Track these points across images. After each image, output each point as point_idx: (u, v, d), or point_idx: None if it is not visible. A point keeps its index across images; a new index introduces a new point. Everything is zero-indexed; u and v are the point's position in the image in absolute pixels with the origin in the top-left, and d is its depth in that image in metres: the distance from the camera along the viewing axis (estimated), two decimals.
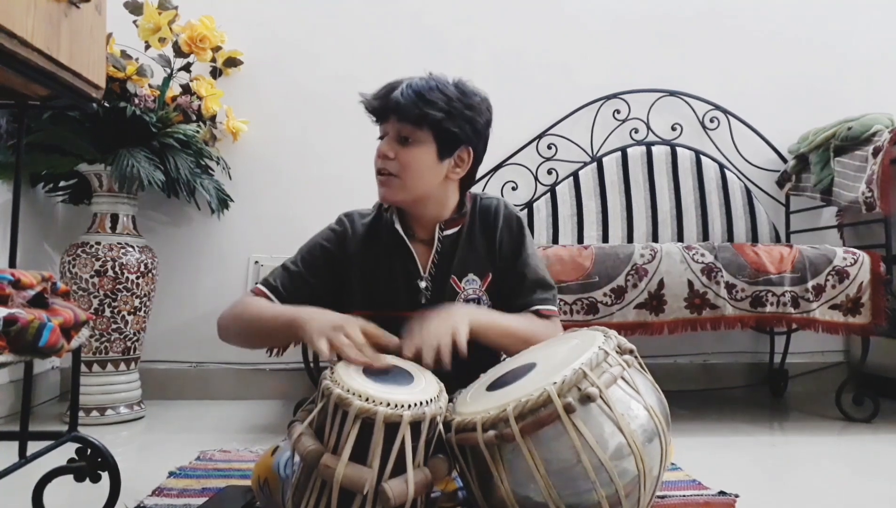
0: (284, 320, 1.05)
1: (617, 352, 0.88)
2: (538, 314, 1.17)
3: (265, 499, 1.02)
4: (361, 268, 1.19)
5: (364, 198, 1.34)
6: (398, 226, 1.20)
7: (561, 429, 0.79)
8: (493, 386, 0.92)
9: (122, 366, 1.87)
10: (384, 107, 1.15)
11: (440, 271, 1.19)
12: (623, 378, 0.84)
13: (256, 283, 1.20)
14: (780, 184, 2.36)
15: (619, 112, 2.37)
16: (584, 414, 0.79)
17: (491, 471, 0.82)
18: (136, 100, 1.88)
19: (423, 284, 1.18)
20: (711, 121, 2.38)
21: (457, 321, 1.02)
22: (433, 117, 1.12)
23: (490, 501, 0.84)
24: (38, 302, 0.90)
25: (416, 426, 0.80)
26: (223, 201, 2.17)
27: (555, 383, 0.80)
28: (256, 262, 2.23)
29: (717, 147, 2.38)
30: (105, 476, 1.05)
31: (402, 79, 1.17)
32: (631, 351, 0.91)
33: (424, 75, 1.17)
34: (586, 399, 0.79)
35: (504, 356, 1.13)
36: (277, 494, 0.96)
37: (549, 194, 2.32)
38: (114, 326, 1.83)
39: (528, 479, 0.80)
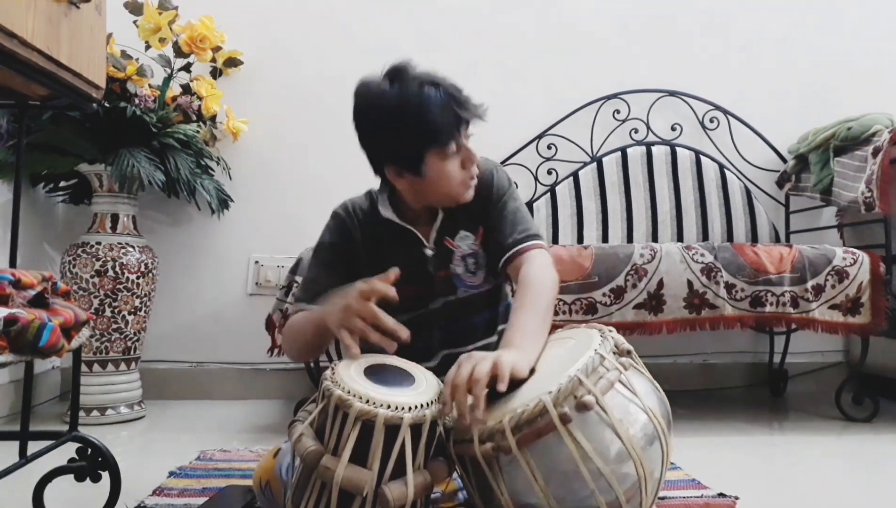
0: (313, 326, 1.06)
1: (614, 354, 0.86)
2: (525, 251, 1.12)
3: (267, 502, 1.02)
4: (367, 251, 1.18)
5: None
6: (392, 214, 1.17)
7: (558, 439, 0.77)
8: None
9: (123, 366, 1.87)
10: (477, 114, 1.11)
11: (440, 237, 1.18)
12: (620, 381, 0.82)
13: (288, 304, 1.19)
14: (780, 184, 2.36)
15: (618, 112, 2.36)
16: (581, 422, 0.78)
17: (490, 482, 0.81)
18: (137, 101, 1.88)
19: (429, 253, 1.17)
20: (711, 121, 2.38)
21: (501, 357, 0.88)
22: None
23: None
24: (39, 302, 0.90)
25: (416, 428, 0.80)
26: (223, 201, 2.17)
27: (550, 392, 0.78)
28: (257, 262, 2.23)
29: (716, 147, 2.38)
30: (105, 475, 1.06)
31: (433, 77, 1.10)
32: (629, 352, 0.89)
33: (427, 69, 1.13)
34: (583, 407, 0.78)
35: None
36: (281, 497, 0.95)
37: (548, 194, 2.32)
38: (114, 326, 1.83)
39: (528, 489, 0.79)
